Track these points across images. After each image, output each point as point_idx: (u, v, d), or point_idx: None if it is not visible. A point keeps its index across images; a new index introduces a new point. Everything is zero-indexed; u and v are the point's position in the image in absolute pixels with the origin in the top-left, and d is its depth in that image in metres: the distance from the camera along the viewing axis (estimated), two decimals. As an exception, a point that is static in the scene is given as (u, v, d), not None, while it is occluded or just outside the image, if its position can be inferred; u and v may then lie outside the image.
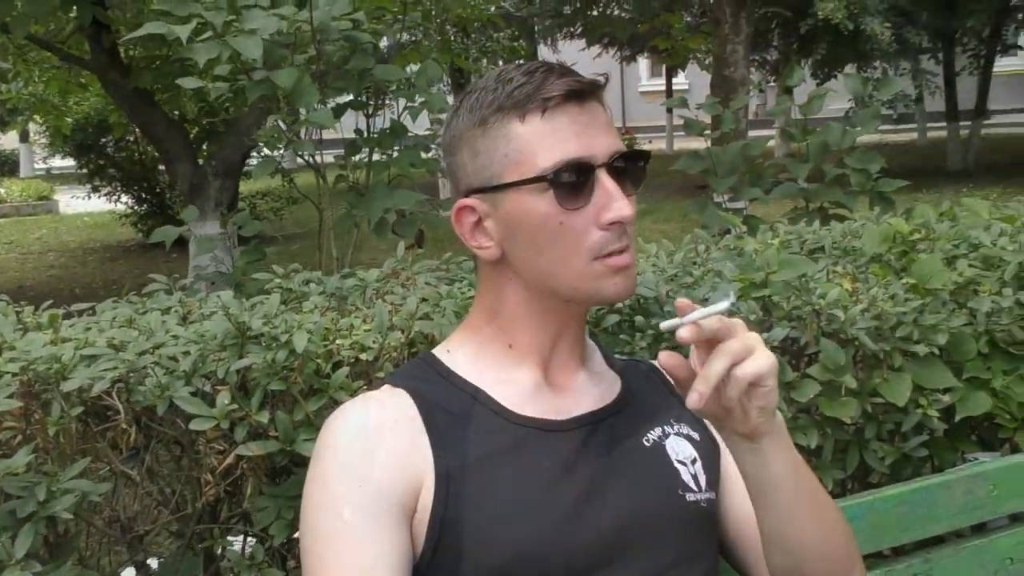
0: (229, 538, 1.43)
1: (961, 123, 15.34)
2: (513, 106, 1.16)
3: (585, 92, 1.16)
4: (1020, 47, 17.21)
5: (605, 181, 1.14)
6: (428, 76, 2.62)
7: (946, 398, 1.69)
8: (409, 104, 2.64)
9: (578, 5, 8.62)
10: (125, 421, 1.30)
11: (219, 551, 1.46)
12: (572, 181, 1.13)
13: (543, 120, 1.14)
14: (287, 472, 1.43)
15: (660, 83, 26.81)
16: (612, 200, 1.14)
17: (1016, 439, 1.71)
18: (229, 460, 1.30)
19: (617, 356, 1.35)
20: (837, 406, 1.64)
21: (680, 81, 24.95)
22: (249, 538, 1.44)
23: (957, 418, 1.69)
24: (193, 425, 1.30)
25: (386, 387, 1.21)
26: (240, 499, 1.42)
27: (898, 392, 1.66)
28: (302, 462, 1.38)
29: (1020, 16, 15.51)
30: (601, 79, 1.23)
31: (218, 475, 1.32)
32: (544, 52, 20.29)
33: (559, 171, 1.12)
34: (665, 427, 1.25)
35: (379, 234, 2.49)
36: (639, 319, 1.58)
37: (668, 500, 1.19)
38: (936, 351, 1.69)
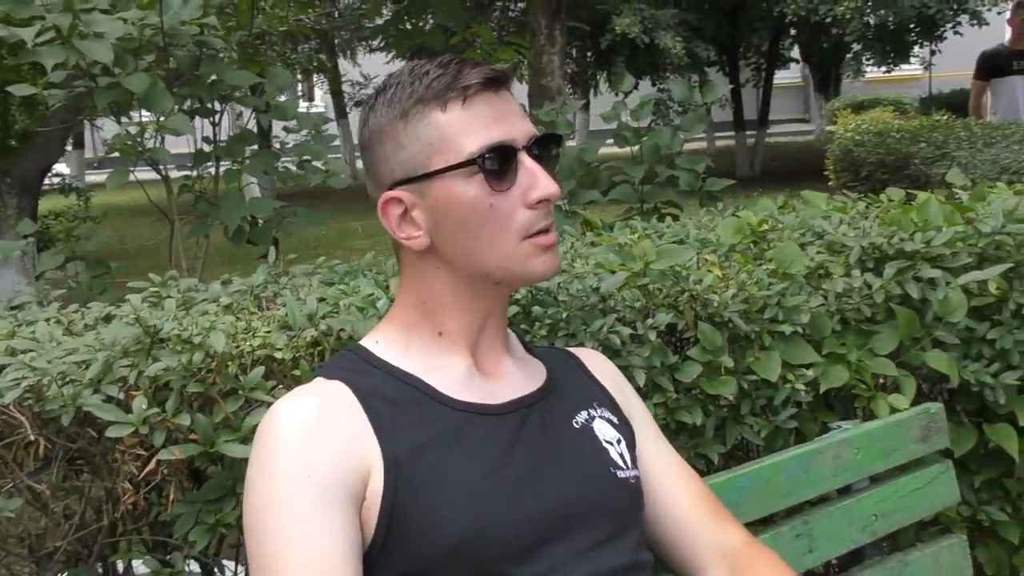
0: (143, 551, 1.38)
1: (747, 132, 16.29)
2: (433, 96, 1.20)
3: (500, 80, 1.22)
4: (796, 60, 18.44)
5: (527, 163, 1.20)
6: (278, 84, 2.59)
7: (810, 373, 1.83)
8: (259, 111, 2.61)
9: (388, 17, 8.65)
10: (32, 433, 1.24)
11: (122, 565, 1.42)
12: (498, 163, 1.18)
13: (464, 108, 1.19)
14: (201, 476, 1.40)
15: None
16: (537, 179, 1.20)
17: (871, 406, 1.87)
18: (151, 465, 1.26)
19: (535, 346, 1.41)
20: (718, 384, 1.74)
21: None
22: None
23: (822, 390, 1.83)
24: (110, 432, 1.25)
25: (319, 380, 1.22)
26: (153, 509, 1.38)
27: (770, 369, 1.78)
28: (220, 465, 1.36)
29: (793, 32, 16.60)
30: (509, 68, 1.28)
31: (139, 483, 1.28)
32: (344, 65, 20.18)
33: (486, 155, 1.17)
34: (590, 410, 1.31)
35: (236, 242, 2.44)
36: (536, 309, 1.64)
37: (602, 478, 1.25)
38: (800, 330, 1.82)
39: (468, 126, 1.19)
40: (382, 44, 17.07)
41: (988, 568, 2.10)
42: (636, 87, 15.12)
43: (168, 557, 1.36)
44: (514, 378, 1.28)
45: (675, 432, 1.75)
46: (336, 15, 15.57)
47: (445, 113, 1.19)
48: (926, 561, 1.82)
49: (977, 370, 1.94)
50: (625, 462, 1.29)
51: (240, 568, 1.50)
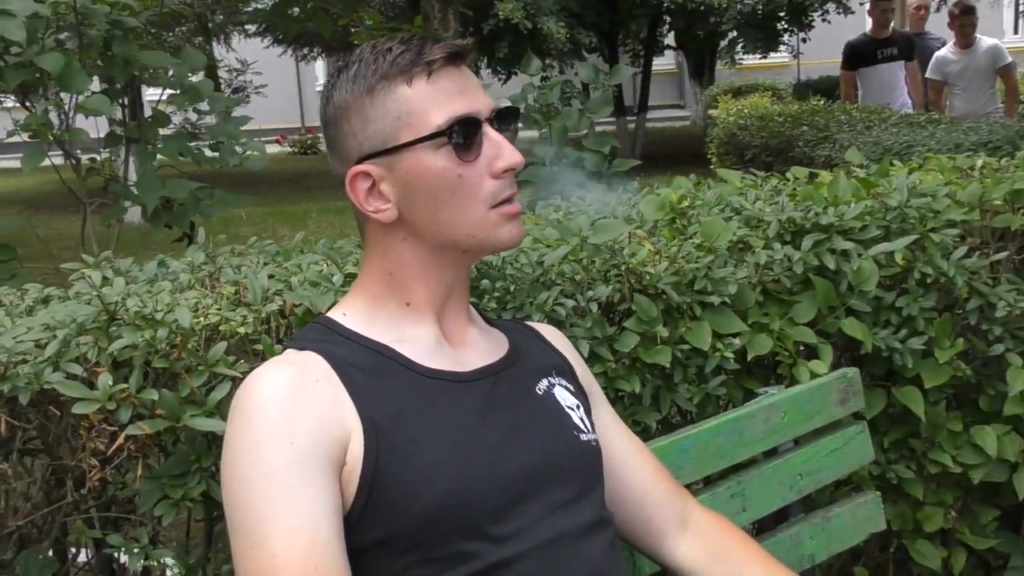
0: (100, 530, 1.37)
1: (627, 117, 16.59)
2: (399, 72, 1.22)
3: (461, 55, 1.26)
4: (671, 47, 18.84)
5: (491, 134, 1.24)
6: (191, 64, 2.55)
7: (737, 341, 1.91)
8: (171, 93, 2.56)
9: (275, 2, 8.51)
10: (-7, 413, 1.22)
11: (76, 546, 1.41)
12: (465, 135, 1.22)
13: (429, 83, 1.22)
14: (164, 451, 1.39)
15: (338, 82, 26.80)
16: (502, 149, 1.24)
17: (793, 372, 1.97)
18: (120, 440, 1.25)
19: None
20: (654, 353, 1.81)
21: (359, 80, 24.94)
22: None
23: (749, 357, 1.92)
24: (77, 409, 1.24)
25: (290, 352, 1.24)
26: (108, 488, 1.37)
27: (701, 338, 1.86)
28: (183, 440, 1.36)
29: (669, 19, 16.96)
30: (469, 44, 1.32)
31: (106, 459, 1.27)
32: (218, 51, 19.70)
33: (453, 126, 1.20)
34: (549, 378, 1.36)
35: (155, 224, 2.40)
36: (485, 283, 1.68)
37: (568, 441, 1.30)
38: (727, 301, 1.90)
39: (434, 100, 1.22)
40: (260, 29, 16.78)
41: (895, 523, 2.23)
42: (515, 74, 15.27)
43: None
44: (480, 347, 1.32)
45: (613, 401, 1.80)
46: (211, -1, 15.21)
47: (411, 87, 1.22)
48: (845, 516, 1.93)
49: (886, 336, 2.06)
50: (585, 426, 1.35)
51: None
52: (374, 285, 1.29)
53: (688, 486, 1.71)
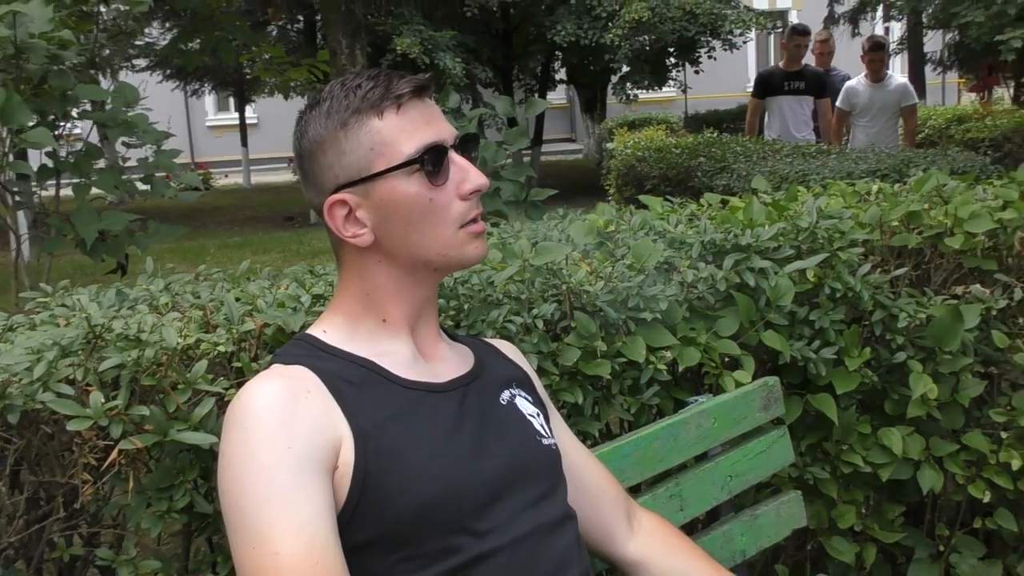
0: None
1: (522, 150, 16.86)
2: (370, 106, 1.33)
3: (426, 88, 1.36)
4: (564, 82, 19.24)
5: (457, 159, 1.36)
6: (126, 98, 2.59)
7: (669, 354, 2.05)
8: (106, 126, 2.60)
9: (174, 36, 8.47)
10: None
11: (61, 562, 1.45)
12: (434, 161, 1.32)
13: (398, 115, 1.33)
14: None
15: (227, 117, 26.63)
16: (468, 173, 1.35)
17: (719, 382, 2.11)
18: (113, 455, 1.31)
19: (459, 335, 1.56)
20: (595, 366, 1.93)
21: (251, 115, 24.83)
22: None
23: (680, 369, 2.05)
24: (71, 426, 1.30)
25: (278, 366, 1.32)
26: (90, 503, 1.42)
27: (637, 351, 1.99)
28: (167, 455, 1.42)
29: (561, 56, 17.34)
30: (431, 77, 1.43)
31: (99, 473, 1.32)
32: (105, 85, 19.32)
33: (423, 154, 1.31)
34: (511, 390, 1.47)
35: (94, 256, 2.43)
36: (440, 302, 1.78)
37: (532, 445, 1.41)
38: (658, 316, 2.04)
39: (404, 130, 1.33)
40: (152, 64, 16.55)
41: (811, 522, 2.39)
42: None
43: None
44: (450, 360, 1.43)
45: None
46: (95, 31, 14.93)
47: (382, 120, 1.32)
48: (770, 514, 2.08)
49: (801, 348, 2.22)
50: (546, 432, 1.46)
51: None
52: (351, 304, 1.38)
53: (631, 488, 1.83)
